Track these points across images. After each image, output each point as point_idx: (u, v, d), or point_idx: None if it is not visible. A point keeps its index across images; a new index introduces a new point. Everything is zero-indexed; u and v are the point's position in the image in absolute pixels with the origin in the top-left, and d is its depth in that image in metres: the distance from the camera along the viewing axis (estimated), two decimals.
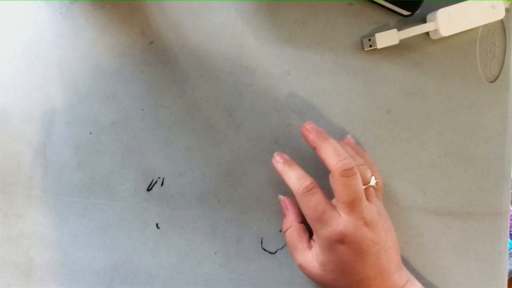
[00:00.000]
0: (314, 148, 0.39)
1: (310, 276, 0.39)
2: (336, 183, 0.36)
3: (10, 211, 0.44)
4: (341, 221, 0.36)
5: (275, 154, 0.41)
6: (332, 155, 0.37)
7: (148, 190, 0.44)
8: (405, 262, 0.42)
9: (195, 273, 0.44)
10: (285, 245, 0.43)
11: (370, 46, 0.44)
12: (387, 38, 0.43)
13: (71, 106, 0.44)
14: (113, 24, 0.45)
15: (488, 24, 0.44)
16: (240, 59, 0.44)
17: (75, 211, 0.44)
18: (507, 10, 0.44)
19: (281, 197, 0.43)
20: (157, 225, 0.44)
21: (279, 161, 0.41)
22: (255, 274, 0.43)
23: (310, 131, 0.39)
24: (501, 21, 0.45)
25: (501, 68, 0.45)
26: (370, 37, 0.44)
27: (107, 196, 0.44)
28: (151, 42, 0.45)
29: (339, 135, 0.44)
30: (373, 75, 0.45)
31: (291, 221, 0.41)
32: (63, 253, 0.44)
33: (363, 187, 0.37)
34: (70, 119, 0.44)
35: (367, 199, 0.38)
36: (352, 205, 0.36)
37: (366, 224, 0.36)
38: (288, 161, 0.40)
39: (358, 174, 0.37)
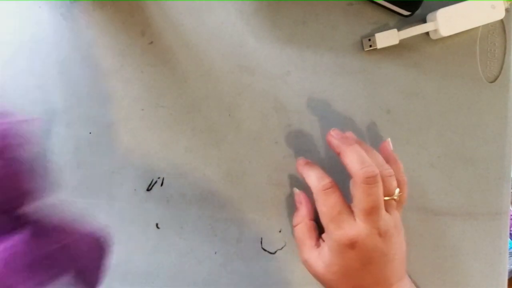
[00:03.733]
0: (338, 154, 0.38)
1: (313, 274, 0.39)
2: (356, 189, 0.36)
3: None
4: (355, 227, 0.36)
5: (297, 159, 0.42)
6: (356, 161, 0.36)
7: (148, 190, 0.44)
8: (406, 262, 0.42)
9: (195, 273, 0.44)
10: (285, 245, 0.43)
11: (370, 46, 0.44)
12: (387, 38, 0.43)
13: (71, 106, 0.44)
14: (113, 24, 0.45)
15: (488, 24, 0.44)
16: (240, 59, 0.44)
17: (75, 211, 0.44)
18: (507, 10, 0.44)
19: (297, 190, 0.43)
20: (157, 225, 0.44)
21: (300, 163, 0.41)
22: (255, 274, 0.43)
23: (335, 136, 0.39)
24: (501, 21, 0.45)
25: (501, 68, 0.45)
26: (370, 37, 0.44)
27: (107, 196, 0.44)
28: (151, 42, 0.45)
29: None
30: (373, 75, 0.45)
31: (303, 217, 0.41)
32: None
33: (386, 198, 0.36)
34: (70, 119, 0.44)
35: (386, 210, 0.37)
36: (369, 213, 0.35)
37: (380, 234, 0.36)
38: (309, 163, 0.40)
39: (380, 184, 0.36)
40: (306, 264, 0.40)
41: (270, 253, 0.43)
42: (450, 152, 0.45)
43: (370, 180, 0.35)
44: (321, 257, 0.38)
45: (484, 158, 0.45)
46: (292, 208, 0.43)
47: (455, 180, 0.44)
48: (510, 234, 0.81)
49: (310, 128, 0.44)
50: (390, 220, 0.37)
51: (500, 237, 0.44)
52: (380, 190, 0.36)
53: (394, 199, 0.38)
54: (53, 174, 0.44)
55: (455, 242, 0.44)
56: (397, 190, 0.38)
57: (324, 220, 0.37)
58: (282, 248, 0.43)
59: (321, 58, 0.45)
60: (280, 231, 0.44)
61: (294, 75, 0.45)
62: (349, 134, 0.41)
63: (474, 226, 0.44)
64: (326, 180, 0.38)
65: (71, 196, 0.44)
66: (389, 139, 0.42)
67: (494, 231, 0.44)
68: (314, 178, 0.38)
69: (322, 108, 0.45)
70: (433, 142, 0.45)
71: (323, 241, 0.39)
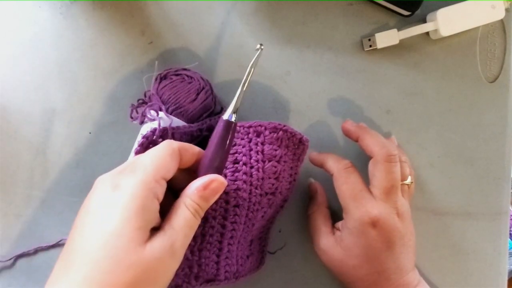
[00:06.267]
0: (357, 139, 0.39)
1: (329, 262, 0.39)
2: (377, 168, 0.37)
3: (10, 211, 0.44)
4: (376, 205, 0.36)
5: (309, 181, 0.43)
6: (377, 142, 0.38)
7: None
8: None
9: None
10: (285, 245, 0.43)
11: (370, 46, 0.44)
12: (387, 38, 0.43)
13: (71, 106, 0.44)
14: (113, 24, 0.45)
15: (488, 24, 0.44)
16: (240, 59, 0.44)
17: (75, 211, 0.44)
18: (507, 10, 0.44)
19: (312, 180, 0.43)
20: None
21: (314, 154, 0.42)
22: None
23: (352, 124, 0.40)
24: (501, 21, 0.45)
25: (501, 68, 0.45)
26: (370, 37, 0.44)
27: None
28: (151, 42, 0.45)
29: (339, 135, 0.44)
30: (373, 75, 0.45)
31: (318, 204, 0.41)
32: None
33: (400, 183, 0.38)
34: (70, 119, 0.44)
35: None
36: (389, 192, 0.36)
37: (398, 215, 0.37)
38: (362, 127, 0.41)
39: (399, 164, 0.37)
40: (322, 253, 0.40)
41: (270, 253, 0.43)
42: (450, 152, 0.45)
43: (391, 159, 0.36)
44: (339, 242, 0.38)
45: (484, 158, 0.45)
46: (292, 208, 0.43)
47: (455, 180, 0.44)
48: (510, 234, 0.81)
49: (310, 128, 0.44)
50: (405, 202, 0.38)
51: (500, 237, 0.44)
52: (399, 170, 0.37)
53: (408, 185, 0.39)
54: (53, 174, 0.44)
55: (455, 242, 0.44)
56: (410, 177, 0.39)
57: (345, 200, 0.37)
58: (282, 248, 0.43)
59: (321, 58, 0.45)
60: (280, 231, 0.44)
61: (294, 75, 0.45)
62: (363, 124, 0.42)
63: (474, 226, 0.44)
64: (346, 160, 0.39)
65: (71, 196, 0.44)
66: (393, 136, 0.43)
67: (494, 231, 0.44)
68: (333, 160, 0.39)
69: (322, 108, 0.44)
70: (433, 142, 0.45)
71: (338, 230, 0.39)
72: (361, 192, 0.37)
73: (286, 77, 0.45)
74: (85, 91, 0.44)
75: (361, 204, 0.36)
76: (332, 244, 0.39)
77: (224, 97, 0.44)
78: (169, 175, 0.31)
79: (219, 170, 0.33)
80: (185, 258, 0.35)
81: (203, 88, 0.39)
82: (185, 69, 0.40)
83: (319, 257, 0.40)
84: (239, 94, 0.32)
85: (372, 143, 0.38)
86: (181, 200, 0.30)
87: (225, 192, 0.35)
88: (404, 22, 0.45)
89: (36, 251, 0.44)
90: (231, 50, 0.44)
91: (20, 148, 0.44)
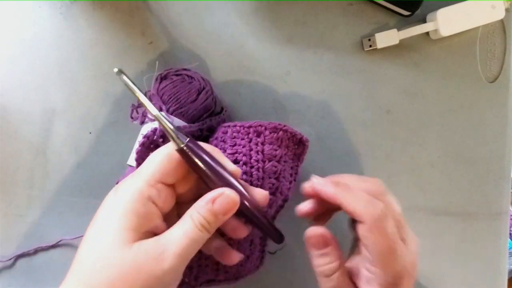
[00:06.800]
0: (332, 200, 0.31)
1: None
2: (370, 234, 0.30)
3: (10, 211, 0.44)
4: (406, 254, 0.31)
5: (312, 178, 0.33)
6: (358, 200, 0.31)
7: None
8: None
9: None
10: (285, 245, 0.43)
11: (370, 46, 0.44)
12: (387, 38, 0.43)
13: (71, 106, 0.44)
14: (113, 24, 0.45)
15: (488, 24, 0.44)
16: (240, 59, 0.44)
17: (75, 211, 0.44)
18: (507, 10, 0.44)
19: (321, 230, 0.32)
20: None
21: (325, 184, 0.32)
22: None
23: (325, 185, 0.32)
24: (501, 21, 0.45)
25: (501, 68, 0.45)
26: (370, 37, 0.44)
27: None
28: (151, 42, 0.45)
29: (339, 135, 0.44)
30: (373, 75, 0.45)
31: (336, 259, 0.32)
32: (63, 253, 0.44)
33: None
34: (70, 119, 0.44)
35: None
36: (394, 251, 0.31)
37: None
38: (338, 184, 0.32)
39: (390, 216, 0.31)
40: None
41: (270, 253, 0.43)
42: (450, 152, 0.45)
43: (381, 218, 0.30)
44: None
45: (484, 158, 0.45)
46: (292, 208, 0.43)
47: (455, 180, 0.44)
48: (510, 234, 0.81)
49: (310, 128, 0.44)
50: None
51: (500, 237, 0.44)
52: (393, 224, 0.31)
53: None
54: (53, 174, 0.44)
55: (455, 242, 0.44)
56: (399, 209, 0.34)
57: (381, 255, 0.30)
58: (282, 248, 0.43)
59: (321, 58, 0.45)
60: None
61: (294, 75, 0.45)
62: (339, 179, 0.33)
63: (474, 226, 0.44)
64: (380, 204, 0.30)
65: (71, 196, 0.44)
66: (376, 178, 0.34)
67: (494, 231, 0.44)
68: (364, 202, 0.30)
69: (322, 108, 0.44)
70: (433, 142, 0.45)
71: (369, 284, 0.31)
72: (398, 242, 0.30)
73: (286, 77, 0.45)
74: (85, 91, 0.44)
75: (399, 257, 0.30)
76: None
77: (224, 97, 0.44)
78: (170, 179, 0.30)
79: (232, 186, 0.31)
80: None
81: (204, 88, 0.39)
82: (185, 69, 0.40)
83: None
84: (163, 120, 0.30)
85: (353, 202, 0.30)
86: (189, 211, 0.30)
87: None
88: (404, 22, 0.45)
89: (36, 251, 0.44)
90: (231, 50, 0.44)
91: (20, 148, 0.44)
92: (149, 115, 0.37)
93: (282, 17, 0.45)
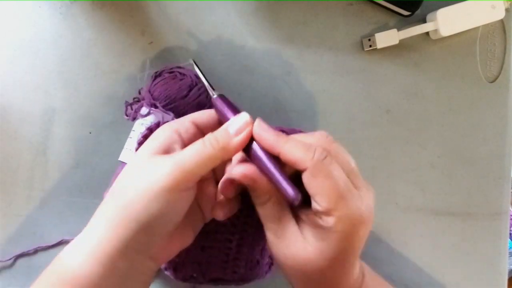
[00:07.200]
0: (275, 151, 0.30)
1: (299, 268, 0.31)
2: (314, 180, 0.29)
3: (10, 211, 0.44)
4: (361, 200, 0.30)
5: (256, 123, 0.31)
6: (298, 147, 0.30)
7: None
8: (405, 262, 0.42)
9: None
10: None
11: (370, 46, 0.44)
12: (387, 38, 0.43)
13: (71, 106, 0.44)
14: (113, 24, 0.45)
15: (488, 24, 0.44)
16: (240, 59, 0.44)
17: (75, 211, 0.44)
18: (507, 10, 0.44)
19: (241, 169, 0.31)
20: None
21: (267, 130, 0.31)
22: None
23: (267, 130, 0.31)
24: (501, 21, 0.45)
25: (501, 68, 0.45)
26: (370, 37, 0.44)
27: None
28: (151, 42, 0.45)
29: (339, 135, 0.44)
30: (373, 75, 0.45)
31: (269, 191, 0.31)
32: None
33: None
34: (70, 119, 0.44)
35: None
36: (343, 197, 0.29)
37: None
38: (281, 133, 0.31)
39: (334, 160, 0.31)
40: (288, 260, 0.31)
41: None
42: (450, 152, 0.45)
43: (324, 161, 0.29)
44: (310, 242, 0.30)
45: (484, 158, 0.45)
46: None
47: (455, 180, 0.44)
48: (510, 234, 0.81)
49: (310, 128, 0.44)
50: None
51: (500, 237, 0.44)
52: (339, 167, 0.30)
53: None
54: (53, 174, 0.44)
55: (455, 242, 0.44)
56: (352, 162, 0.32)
57: (328, 200, 0.29)
58: None
59: (321, 58, 0.45)
60: None
61: (294, 75, 0.45)
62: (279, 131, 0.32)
63: (474, 226, 0.44)
64: (320, 148, 0.29)
65: (71, 196, 0.44)
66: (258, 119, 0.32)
67: (494, 231, 0.44)
68: (301, 149, 0.29)
69: (322, 108, 0.44)
70: (433, 142, 0.45)
71: (303, 221, 0.31)
72: (346, 186, 0.29)
73: (286, 77, 0.45)
74: (85, 91, 0.44)
75: (350, 202, 0.29)
76: (301, 245, 0.30)
77: None
78: (201, 123, 0.33)
79: None
80: (195, 252, 0.36)
81: (196, 85, 0.40)
82: (179, 67, 0.40)
83: (272, 251, 0.32)
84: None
85: (293, 149, 0.30)
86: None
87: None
88: (404, 22, 0.45)
89: (36, 251, 0.44)
90: (231, 50, 0.44)
91: (20, 148, 0.44)
92: (140, 112, 0.39)
93: (282, 17, 0.45)
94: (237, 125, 0.31)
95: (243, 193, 0.34)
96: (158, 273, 0.38)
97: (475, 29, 0.45)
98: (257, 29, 0.45)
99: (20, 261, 0.44)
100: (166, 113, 0.37)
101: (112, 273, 0.29)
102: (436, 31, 0.43)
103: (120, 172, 0.33)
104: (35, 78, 0.44)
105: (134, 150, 0.36)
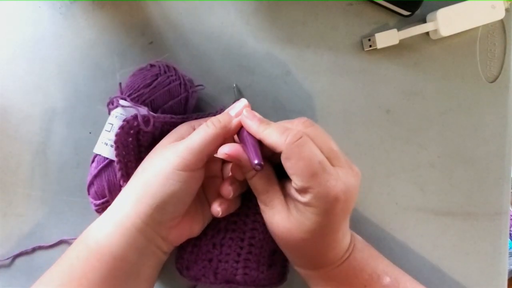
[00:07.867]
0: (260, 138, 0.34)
1: (284, 236, 0.34)
2: (289, 161, 0.32)
3: (10, 211, 0.44)
4: (338, 177, 0.32)
5: (244, 111, 0.36)
6: (275, 132, 0.33)
7: None
8: (405, 262, 0.42)
9: None
10: None
11: (370, 46, 0.44)
12: (387, 38, 0.43)
13: (71, 106, 0.44)
14: (113, 24, 0.45)
15: (488, 24, 0.44)
16: (240, 59, 0.44)
17: (75, 211, 0.44)
18: (507, 10, 0.44)
19: (231, 147, 0.35)
20: None
21: (253, 117, 0.35)
22: None
23: (252, 118, 0.35)
24: (501, 21, 0.45)
25: (501, 68, 0.45)
26: (370, 37, 0.44)
27: None
28: (151, 42, 0.45)
29: (339, 135, 0.44)
30: (373, 75, 0.45)
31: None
32: (63, 252, 0.44)
33: None
34: (70, 119, 0.44)
35: None
36: (317, 174, 0.32)
37: (357, 175, 0.34)
38: (264, 120, 0.35)
39: (309, 140, 0.33)
40: (273, 227, 0.35)
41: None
42: (450, 152, 0.45)
43: (297, 142, 0.32)
44: (293, 215, 0.33)
45: (484, 158, 0.45)
46: None
47: (455, 180, 0.44)
48: (510, 234, 0.81)
49: None
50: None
51: (500, 237, 0.44)
52: (313, 146, 0.33)
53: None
54: (53, 174, 0.44)
55: (455, 242, 0.44)
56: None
57: (301, 178, 0.31)
58: None
59: (321, 58, 0.45)
60: None
61: (294, 75, 0.45)
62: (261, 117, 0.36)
63: (474, 226, 0.44)
64: (293, 131, 0.32)
65: (71, 196, 0.44)
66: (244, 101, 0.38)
67: (494, 231, 0.44)
68: (277, 133, 0.33)
69: (322, 108, 0.44)
70: (433, 142, 0.45)
71: (289, 196, 0.34)
72: (320, 165, 0.31)
73: (286, 77, 0.45)
74: (85, 91, 0.44)
75: (324, 180, 0.31)
76: (285, 215, 0.34)
77: (224, 97, 0.44)
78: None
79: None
80: (207, 250, 0.38)
81: (165, 73, 0.39)
82: (157, 62, 0.41)
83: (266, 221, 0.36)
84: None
85: (271, 133, 0.33)
86: None
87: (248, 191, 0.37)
88: (404, 22, 0.45)
89: (34, 250, 0.44)
90: (231, 50, 0.44)
91: (20, 148, 0.44)
92: (115, 106, 0.39)
93: (282, 17, 0.45)
94: (237, 109, 0.37)
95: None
96: (160, 275, 0.38)
97: (475, 29, 0.45)
98: (257, 29, 0.45)
99: (20, 261, 0.44)
100: (137, 106, 0.37)
101: (131, 247, 0.33)
102: (436, 31, 0.43)
103: (94, 164, 0.38)
104: (35, 78, 0.44)
105: (112, 142, 0.37)
